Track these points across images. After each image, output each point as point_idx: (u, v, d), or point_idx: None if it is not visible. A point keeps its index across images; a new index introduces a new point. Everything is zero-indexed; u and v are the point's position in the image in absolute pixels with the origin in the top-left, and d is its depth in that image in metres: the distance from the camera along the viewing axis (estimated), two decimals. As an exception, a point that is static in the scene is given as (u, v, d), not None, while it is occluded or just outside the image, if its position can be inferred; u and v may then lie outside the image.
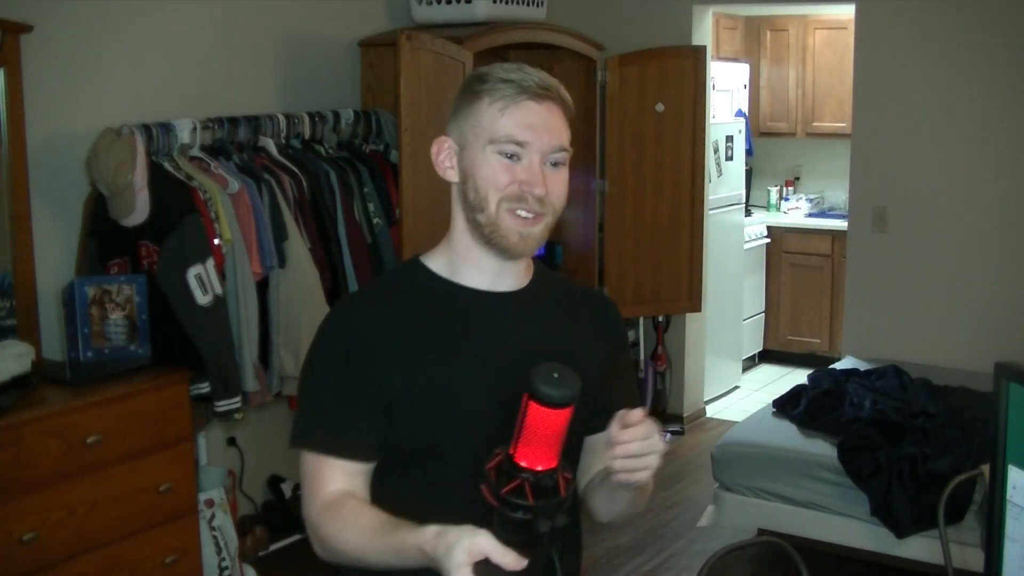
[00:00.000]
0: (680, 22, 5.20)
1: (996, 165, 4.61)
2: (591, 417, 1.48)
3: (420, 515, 1.32)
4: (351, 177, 3.85)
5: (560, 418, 1.23)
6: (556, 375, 1.24)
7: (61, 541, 2.77)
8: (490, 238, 1.48)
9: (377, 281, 1.69)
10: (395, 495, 1.45)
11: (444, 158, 1.53)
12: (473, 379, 1.47)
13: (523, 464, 1.24)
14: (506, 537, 1.21)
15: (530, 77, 1.48)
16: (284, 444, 1.57)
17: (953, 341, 4.70)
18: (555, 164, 1.49)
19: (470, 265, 1.52)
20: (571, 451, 1.42)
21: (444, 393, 1.46)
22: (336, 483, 1.44)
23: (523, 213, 1.47)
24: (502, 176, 1.46)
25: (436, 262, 1.56)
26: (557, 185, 1.49)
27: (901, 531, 3.40)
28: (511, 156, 1.46)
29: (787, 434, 3.86)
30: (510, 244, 1.48)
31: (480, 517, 1.25)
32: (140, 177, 3.14)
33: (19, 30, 3.05)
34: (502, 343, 1.50)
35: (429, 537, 1.25)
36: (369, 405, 1.45)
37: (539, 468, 1.24)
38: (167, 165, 3.30)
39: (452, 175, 1.52)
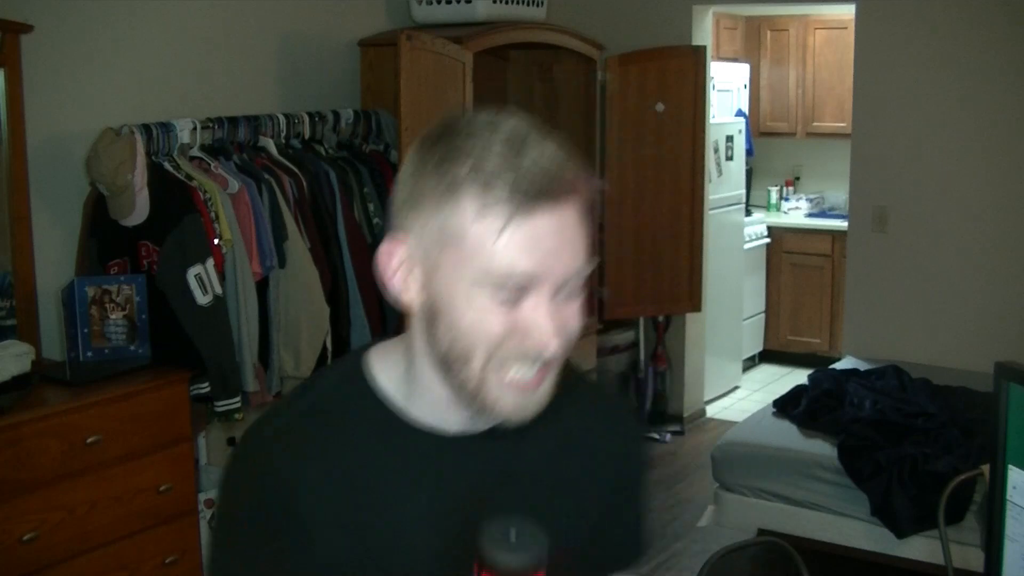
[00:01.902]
0: (680, 22, 5.20)
1: (996, 165, 4.61)
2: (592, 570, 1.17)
3: None
4: (351, 177, 3.85)
5: None
6: (513, 534, 0.97)
7: (61, 541, 2.76)
8: (471, 402, 1.03)
9: (306, 405, 1.12)
10: None
11: (400, 276, 1.04)
12: (431, 558, 1.07)
13: None
14: None
15: (538, 163, 0.96)
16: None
17: (953, 341, 4.70)
18: (571, 293, 1.01)
19: (435, 403, 1.07)
20: None
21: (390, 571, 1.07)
22: None
23: (522, 375, 1.01)
24: (495, 326, 0.98)
25: (389, 378, 1.10)
26: (571, 320, 1.02)
27: (901, 531, 3.40)
28: (513, 303, 0.98)
29: (787, 434, 3.86)
30: (503, 411, 1.03)
31: None
32: (140, 177, 3.14)
33: (19, 30, 3.05)
34: (473, 505, 1.06)
35: None
36: None
37: None
38: (167, 165, 3.30)
39: (410, 299, 1.04)
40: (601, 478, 1.18)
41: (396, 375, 1.09)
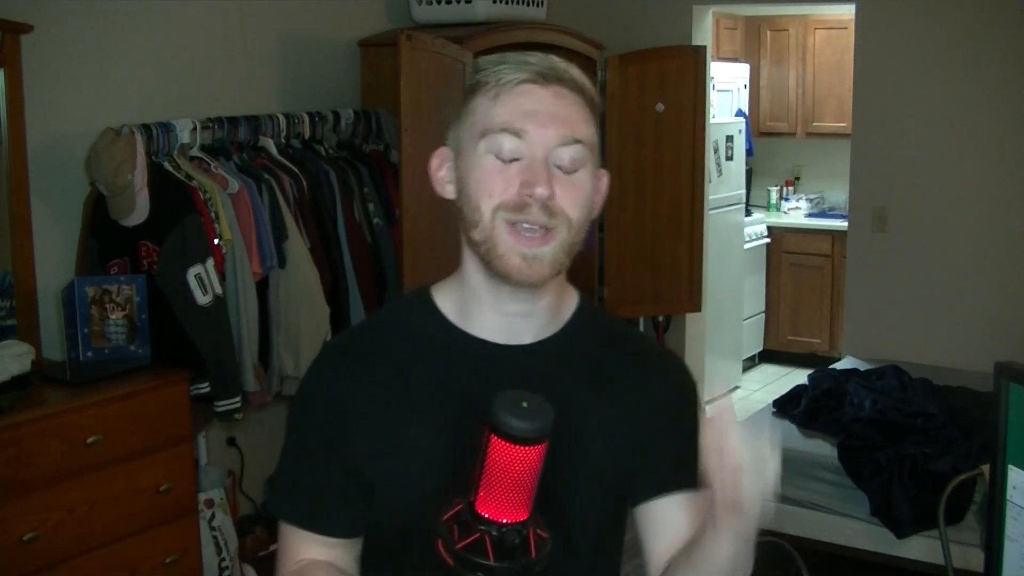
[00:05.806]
0: (680, 22, 5.19)
1: (996, 165, 4.60)
2: (631, 491, 1.31)
3: None
4: (351, 177, 3.84)
5: (529, 457, 1.03)
6: (525, 404, 1.04)
7: (61, 541, 2.76)
8: (488, 260, 1.19)
9: (378, 320, 1.39)
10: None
11: (444, 172, 1.25)
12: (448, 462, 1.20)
13: (485, 514, 1.04)
14: None
15: (535, 58, 1.21)
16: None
17: (953, 341, 4.70)
18: (567, 168, 1.18)
19: (481, 307, 1.24)
20: (575, 517, 1.25)
21: (429, 476, 1.21)
22: (309, 553, 1.26)
23: (526, 228, 1.16)
24: (496, 179, 1.17)
25: (447, 300, 1.28)
26: (569, 191, 1.18)
27: (901, 531, 3.40)
28: (509, 157, 1.17)
29: (787, 434, 3.86)
30: (511, 268, 1.17)
31: None
32: (140, 177, 3.14)
33: (19, 30, 3.05)
34: None
35: None
36: (344, 484, 1.25)
37: (504, 520, 1.04)
38: (167, 165, 3.29)
39: (450, 191, 1.24)
40: (636, 416, 1.28)
41: (452, 299, 1.28)
